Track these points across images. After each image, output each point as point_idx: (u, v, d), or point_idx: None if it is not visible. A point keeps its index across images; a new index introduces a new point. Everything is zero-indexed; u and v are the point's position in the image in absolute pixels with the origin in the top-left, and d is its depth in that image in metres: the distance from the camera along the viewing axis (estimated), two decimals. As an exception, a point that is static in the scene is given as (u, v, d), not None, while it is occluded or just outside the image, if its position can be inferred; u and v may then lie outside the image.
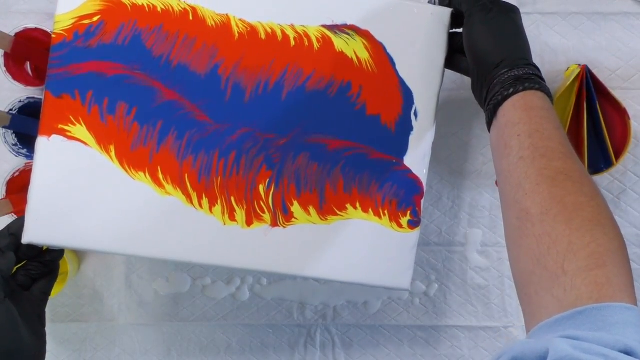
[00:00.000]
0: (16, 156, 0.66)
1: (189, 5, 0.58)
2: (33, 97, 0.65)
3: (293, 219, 0.59)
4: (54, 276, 0.60)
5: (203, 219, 0.58)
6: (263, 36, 0.59)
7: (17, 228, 0.56)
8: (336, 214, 0.60)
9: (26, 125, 0.64)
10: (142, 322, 0.73)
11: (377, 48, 0.60)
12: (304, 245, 0.60)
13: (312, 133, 0.60)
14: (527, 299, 0.45)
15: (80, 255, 0.73)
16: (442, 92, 0.71)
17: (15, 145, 0.67)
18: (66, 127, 0.56)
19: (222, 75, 0.59)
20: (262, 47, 0.59)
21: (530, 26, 0.72)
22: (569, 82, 0.66)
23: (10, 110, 0.65)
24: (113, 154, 0.57)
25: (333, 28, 0.60)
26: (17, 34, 0.64)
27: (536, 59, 0.71)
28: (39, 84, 0.66)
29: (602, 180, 0.72)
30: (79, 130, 0.57)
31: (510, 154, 0.50)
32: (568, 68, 0.70)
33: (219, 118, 0.59)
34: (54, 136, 0.56)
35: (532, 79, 0.52)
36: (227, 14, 0.59)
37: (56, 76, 0.56)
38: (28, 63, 0.69)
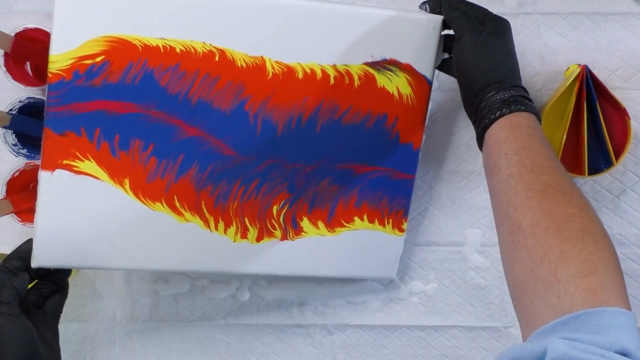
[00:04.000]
0: (16, 156, 0.66)
1: (216, 48, 0.56)
2: (33, 97, 0.65)
3: (302, 233, 0.60)
4: (65, 292, 0.61)
5: (216, 239, 0.59)
6: (301, 76, 0.58)
7: (25, 251, 0.57)
8: (343, 226, 0.61)
9: (26, 125, 0.64)
10: (142, 322, 0.73)
11: (420, 82, 0.60)
12: (307, 253, 0.61)
13: (342, 161, 0.60)
14: (522, 309, 0.45)
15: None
16: (442, 93, 0.71)
17: (15, 145, 0.66)
18: (73, 163, 0.56)
19: (250, 112, 0.58)
20: (296, 85, 0.58)
21: (530, 26, 0.72)
22: (569, 82, 0.66)
23: (10, 110, 0.65)
24: (127, 187, 0.57)
25: (375, 65, 0.59)
26: (17, 34, 0.64)
27: (536, 59, 0.72)
28: (39, 84, 0.66)
29: (602, 180, 0.72)
30: (89, 165, 0.56)
31: (499, 172, 0.51)
32: (568, 68, 0.70)
33: (247, 152, 0.58)
34: (58, 171, 0.56)
35: (519, 100, 0.54)
36: (261, 56, 0.57)
37: (56, 114, 0.55)
38: (28, 63, 0.69)
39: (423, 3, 0.61)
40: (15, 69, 0.65)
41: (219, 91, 0.57)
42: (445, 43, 0.61)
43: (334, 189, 0.60)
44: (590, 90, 0.66)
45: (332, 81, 0.59)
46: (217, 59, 0.56)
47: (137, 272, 0.72)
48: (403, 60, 0.60)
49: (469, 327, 0.73)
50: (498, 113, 0.53)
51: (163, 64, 0.56)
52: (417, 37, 0.59)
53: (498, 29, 0.57)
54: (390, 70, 0.59)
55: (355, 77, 0.59)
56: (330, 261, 0.62)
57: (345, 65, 0.59)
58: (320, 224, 0.60)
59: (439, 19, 0.59)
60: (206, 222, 0.58)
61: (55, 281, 0.59)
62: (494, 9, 0.72)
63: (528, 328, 0.44)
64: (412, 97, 0.60)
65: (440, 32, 0.60)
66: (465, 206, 0.73)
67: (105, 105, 0.55)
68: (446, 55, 0.62)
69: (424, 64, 0.60)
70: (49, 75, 0.55)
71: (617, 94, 0.67)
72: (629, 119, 0.67)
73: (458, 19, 0.57)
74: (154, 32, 0.55)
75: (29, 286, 0.58)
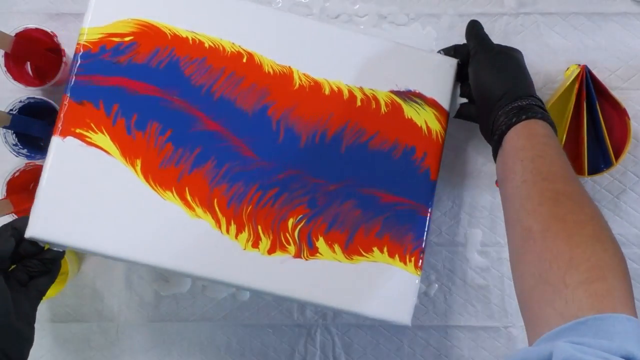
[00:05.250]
0: (16, 156, 0.66)
1: (244, 50, 0.58)
2: (33, 97, 0.65)
3: (317, 254, 0.58)
4: (53, 276, 0.59)
5: (226, 243, 0.57)
6: (327, 92, 0.59)
7: (21, 224, 0.56)
8: (361, 255, 0.59)
9: (26, 125, 0.64)
10: (142, 322, 0.73)
11: (446, 118, 0.61)
12: (320, 278, 0.58)
13: (367, 185, 0.59)
14: (529, 313, 0.46)
15: (80, 255, 0.73)
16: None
17: (15, 145, 0.66)
18: (86, 133, 0.56)
19: (272, 117, 0.58)
20: (322, 100, 0.59)
21: (530, 26, 0.72)
22: (568, 82, 0.66)
23: (11, 110, 0.65)
24: (138, 168, 0.56)
25: (402, 95, 0.60)
26: (17, 34, 0.64)
27: (536, 59, 0.72)
28: (39, 84, 0.66)
29: (602, 180, 0.72)
30: (102, 139, 0.56)
31: (514, 178, 0.52)
32: (568, 68, 0.70)
33: (267, 157, 0.58)
34: (69, 138, 0.55)
35: (535, 109, 0.55)
36: (289, 66, 0.58)
37: (78, 82, 0.56)
38: (28, 63, 0.69)
39: (438, 51, 0.65)
40: (15, 69, 0.65)
41: (243, 91, 0.57)
42: (462, 89, 0.64)
43: (356, 213, 0.59)
44: (590, 91, 0.66)
45: (358, 103, 0.59)
46: (244, 60, 0.58)
47: (137, 272, 0.72)
48: (428, 94, 0.61)
49: (470, 327, 0.73)
50: (514, 119, 0.55)
51: (190, 55, 0.57)
52: (436, 72, 0.62)
53: (510, 49, 0.61)
54: (417, 102, 0.60)
55: (382, 104, 0.60)
56: (344, 292, 0.58)
57: (372, 90, 0.60)
58: (337, 247, 0.58)
59: (454, 60, 0.62)
60: (218, 222, 0.57)
61: (45, 262, 0.57)
62: (494, 9, 0.72)
63: (534, 332, 0.44)
64: (441, 133, 0.61)
65: (456, 71, 0.62)
66: (465, 206, 0.73)
67: (127, 83, 0.56)
68: (465, 100, 0.65)
69: (445, 100, 0.61)
70: (76, 46, 0.56)
71: (617, 94, 0.67)
72: (629, 119, 0.67)
73: (475, 38, 0.61)
74: (185, 24, 0.57)
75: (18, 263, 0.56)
